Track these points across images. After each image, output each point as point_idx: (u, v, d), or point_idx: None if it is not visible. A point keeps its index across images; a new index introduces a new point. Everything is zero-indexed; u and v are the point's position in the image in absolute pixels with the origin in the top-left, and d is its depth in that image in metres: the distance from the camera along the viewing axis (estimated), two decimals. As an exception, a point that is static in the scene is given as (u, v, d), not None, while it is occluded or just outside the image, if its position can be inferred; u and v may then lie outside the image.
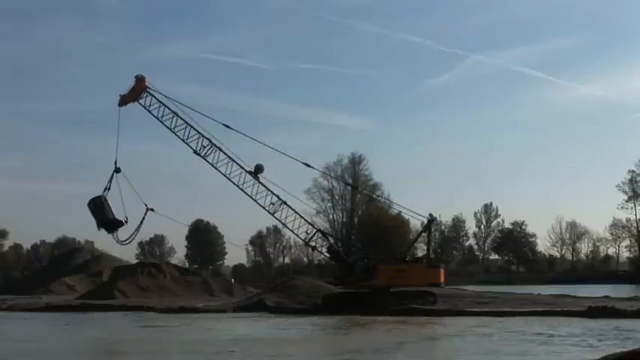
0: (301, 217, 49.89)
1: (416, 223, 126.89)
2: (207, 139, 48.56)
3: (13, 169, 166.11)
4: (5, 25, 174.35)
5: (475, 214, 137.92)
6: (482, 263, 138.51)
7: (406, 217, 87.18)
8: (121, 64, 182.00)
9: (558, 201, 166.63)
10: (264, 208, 48.26)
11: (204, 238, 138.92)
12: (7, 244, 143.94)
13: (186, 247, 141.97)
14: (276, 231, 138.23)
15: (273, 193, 48.15)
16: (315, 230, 50.72)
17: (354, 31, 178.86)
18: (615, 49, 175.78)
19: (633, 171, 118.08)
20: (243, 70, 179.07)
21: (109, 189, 48.61)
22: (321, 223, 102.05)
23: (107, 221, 48.33)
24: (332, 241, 53.87)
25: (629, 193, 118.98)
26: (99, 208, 48.14)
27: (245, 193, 48.11)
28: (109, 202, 48.60)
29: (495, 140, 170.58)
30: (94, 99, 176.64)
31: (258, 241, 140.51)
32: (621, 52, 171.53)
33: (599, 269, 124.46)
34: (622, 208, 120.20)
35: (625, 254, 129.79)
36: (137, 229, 48.82)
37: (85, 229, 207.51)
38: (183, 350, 28.63)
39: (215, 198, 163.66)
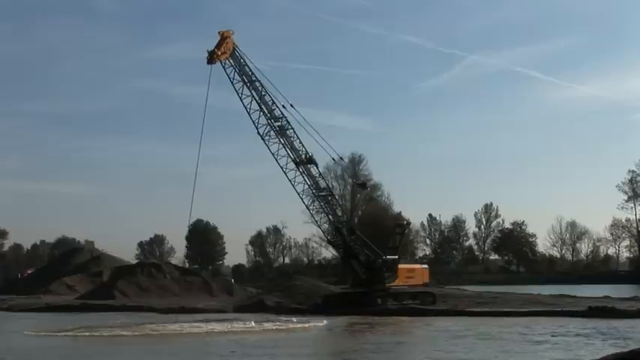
0: (334, 215, 48.49)
1: (416, 223, 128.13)
2: (280, 117, 45.45)
3: (13, 169, 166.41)
4: (5, 26, 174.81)
5: (475, 214, 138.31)
6: (482, 263, 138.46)
7: (407, 217, 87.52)
8: (120, 65, 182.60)
9: (558, 201, 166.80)
10: (302, 199, 47.47)
11: (204, 238, 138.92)
12: (7, 244, 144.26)
13: (187, 247, 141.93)
14: (276, 231, 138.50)
15: (316, 187, 47.45)
16: (345, 224, 49.31)
17: (353, 31, 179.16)
18: (614, 49, 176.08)
19: (633, 171, 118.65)
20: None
21: None
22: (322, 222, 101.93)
23: None
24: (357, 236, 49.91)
25: (629, 193, 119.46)
26: None
27: (287, 179, 46.79)
28: None
29: (495, 140, 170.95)
30: (93, 99, 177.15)
31: (258, 241, 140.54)
32: (620, 53, 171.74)
33: (599, 269, 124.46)
34: (622, 208, 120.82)
35: (625, 254, 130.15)
36: None
37: (85, 229, 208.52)
38: (182, 351, 28.63)
39: (215, 198, 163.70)
